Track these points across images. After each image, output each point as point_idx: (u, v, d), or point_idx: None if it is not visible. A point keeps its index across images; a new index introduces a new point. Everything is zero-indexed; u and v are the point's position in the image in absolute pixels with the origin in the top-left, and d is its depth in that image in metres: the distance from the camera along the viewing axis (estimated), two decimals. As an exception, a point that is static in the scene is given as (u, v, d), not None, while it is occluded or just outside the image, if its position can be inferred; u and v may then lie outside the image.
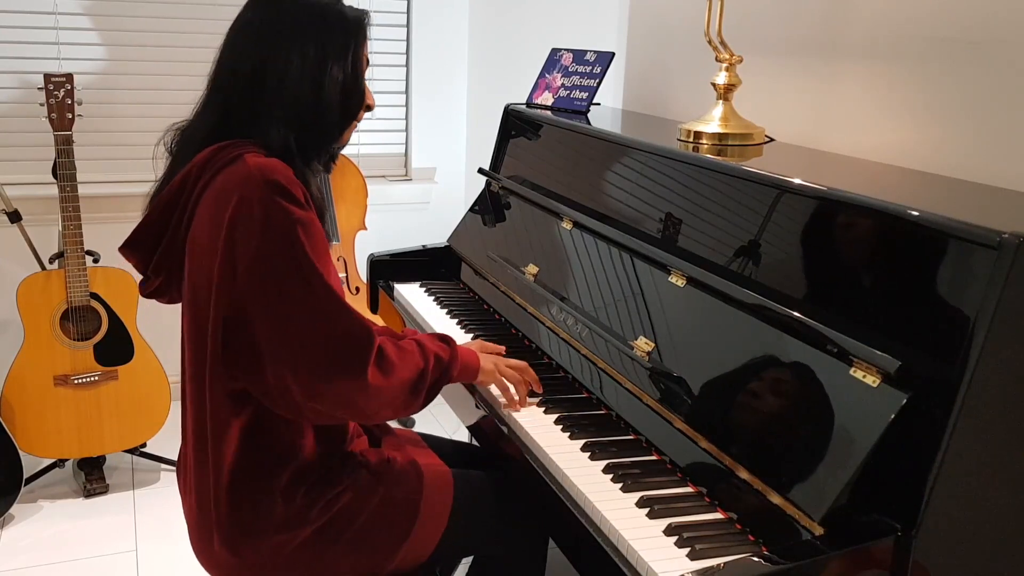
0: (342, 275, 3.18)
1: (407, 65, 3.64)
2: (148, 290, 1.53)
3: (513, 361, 1.66)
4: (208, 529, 1.46)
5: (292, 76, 1.41)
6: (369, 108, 1.55)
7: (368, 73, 1.54)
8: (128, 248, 1.50)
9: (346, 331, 1.39)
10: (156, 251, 1.48)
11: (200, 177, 1.41)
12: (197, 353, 1.44)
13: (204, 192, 1.40)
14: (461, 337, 1.95)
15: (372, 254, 2.39)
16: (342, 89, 1.46)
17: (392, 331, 1.80)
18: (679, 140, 1.86)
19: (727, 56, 1.82)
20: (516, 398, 1.61)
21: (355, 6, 1.50)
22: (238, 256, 1.35)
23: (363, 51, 1.50)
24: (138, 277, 1.55)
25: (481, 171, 2.41)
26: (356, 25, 1.49)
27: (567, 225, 1.97)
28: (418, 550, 1.54)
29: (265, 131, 1.41)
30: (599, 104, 2.39)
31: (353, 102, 1.50)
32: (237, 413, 1.42)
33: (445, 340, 1.57)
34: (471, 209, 2.41)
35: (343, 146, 1.58)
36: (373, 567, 1.52)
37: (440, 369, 1.51)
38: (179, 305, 1.55)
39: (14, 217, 2.79)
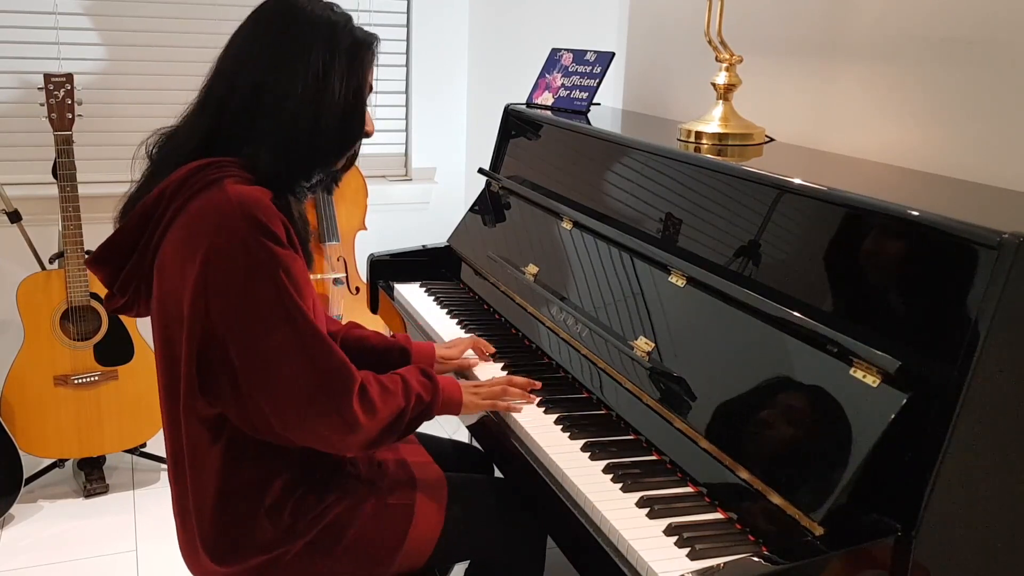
0: (342, 275, 3.18)
1: (407, 65, 3.64)
2: (113, 307, 1.48)
3: (495, 379, 1.65)
4: (193, 545, 1.45)
5: (292, 98, 1.37)
6: (367, 135, 1.50)
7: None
8: (95, 263, 1.45)
9: (329, 374, 1.36)
10: (123, 269, 1.43)
11: (175, 197, 1.36)
12: (169, 377, 1.41)
13: (178, 214, 1.35)
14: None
15: (372, 254, 2.39)
16: (342, 114, 1.41)
17: (382, 336, 1.79)
18: (679, 140, 1.86)
19: (727, 56, 1.82)
20: (515, 404, 1.61)
21: (364, 26, 1.46)
22: (211, 293, 1.31)
23: (368, 76, 1.45)
24: None
25: (481, 171, 2.41)
26: (364, 48, 1.44)
27: (567, 225, 1.97)
28: (415, 556, 1.53)
29: (255, 151, 1.37)
30: (599, 104, 2.39)
31: (351, 129, 1.45)
32: (215, 439, 1.40)
33: (428, 376, 1.53)
34: (471, 209, 2.41)
35: (342, 169, 1.53)
36: (370, 575, 1.52)
37: (420, 408, 1.48)
38: None
39: (14, 217, 2.79)
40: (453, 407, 1.55)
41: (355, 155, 1.54)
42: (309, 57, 1.38)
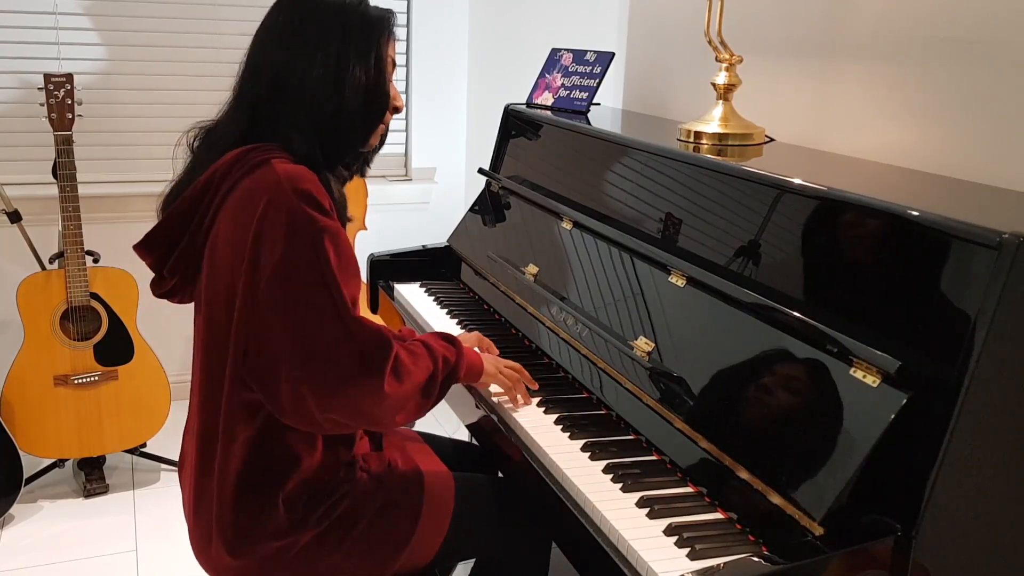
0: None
1: (407, 65, 3.64)
2: (161, 290, 1.52)
3: (509, 362, 1.66)
4: (207, 532, 1.46)
5: (311, 80, 1.40)
6: (397, 110, 1.53)
7: (396, 74, 1.51)
8: (144, 247, 1.48)
9: (364, 342, 1.37)
10: (173, 252, 1.46)
11: (225, 180, 1.39)
12: (213, 358, 1.42)
13: (228, 195, 1.39)
14: (461, 337, 1.95)
15: (372, 254, 2.39)
16: (364, 92, 1.44)
17: (390, 331, 1.79)
18: (679, 140, 1.86)
19: (727, 56, 1.82)
20: (518, 397, 1.61)
21: (379, 5, 1.48)
22: (262, 264, 1.34)
23: (387, 51, 1.48)
24: (141, 276, 1.54)
25: (481, 171, 2.41)
26: (379, 25, 1.46)
27: (567, 225, 1.97)
28: (420, 554, 1.54)
29: (288, 137, 1.41)
30: (599, 104, 2.39)
31: (376, 105, 1.48)
32: (248, 422, 1.41)
33: (449, 340, 1.55)
34: (471, 209, 2.41)
35: (374, 149, 1.56)
36: (375, 571, 1.51)
37: (448, 370, 1.50)
38: (182, 305, 1.54)
39: (14, 217, 2.79)
40: (475, 372, 1.58)
41: (386, 132, 1.56)
42: (324, 41, 1.42)
